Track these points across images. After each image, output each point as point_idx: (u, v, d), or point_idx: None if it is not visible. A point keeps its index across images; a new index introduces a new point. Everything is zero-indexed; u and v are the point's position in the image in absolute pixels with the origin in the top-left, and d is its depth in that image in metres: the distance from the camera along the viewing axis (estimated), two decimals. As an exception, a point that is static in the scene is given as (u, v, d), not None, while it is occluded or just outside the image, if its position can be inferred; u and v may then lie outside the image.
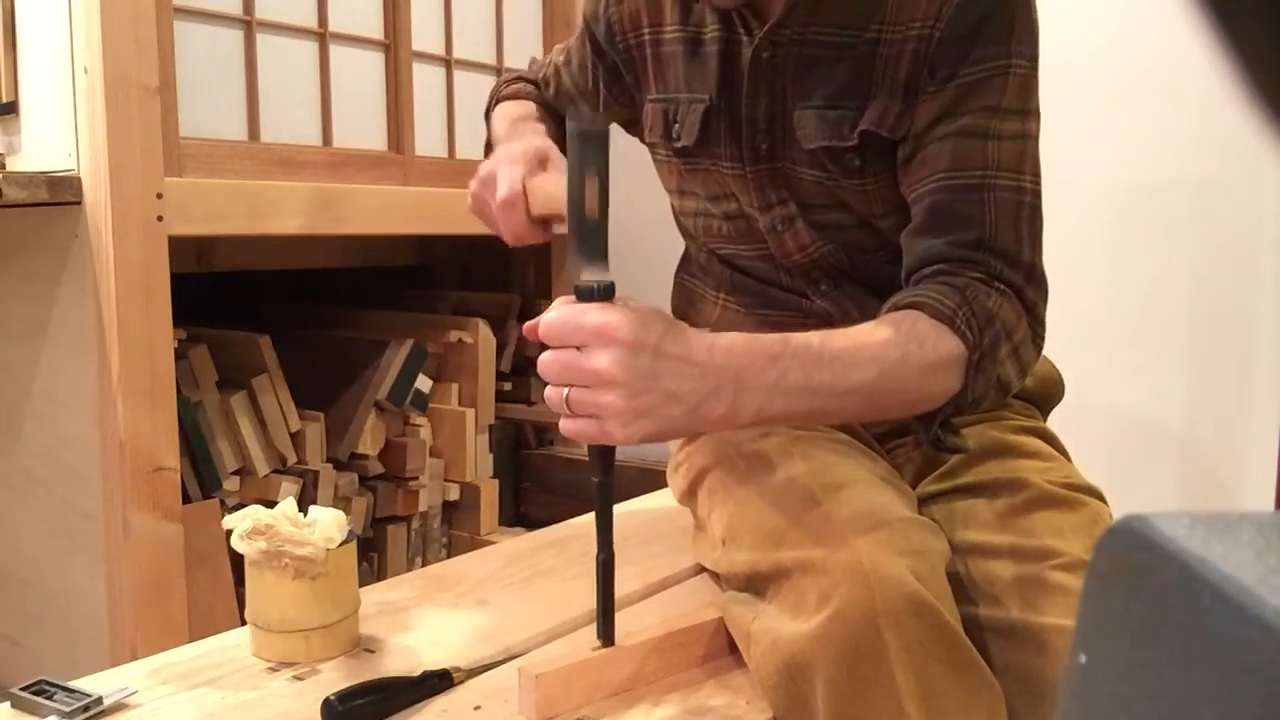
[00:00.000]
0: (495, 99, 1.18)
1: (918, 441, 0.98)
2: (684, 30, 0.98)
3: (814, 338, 0.77)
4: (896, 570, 0.72)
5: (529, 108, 1.11)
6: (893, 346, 0.78)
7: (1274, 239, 1.58)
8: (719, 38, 0.94)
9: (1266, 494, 1.59)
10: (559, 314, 0.72)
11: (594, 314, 0.70)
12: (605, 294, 0.72)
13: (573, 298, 0.73)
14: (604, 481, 0.79)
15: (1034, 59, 0.87)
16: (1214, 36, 0.21)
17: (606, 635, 0.82)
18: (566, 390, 0.71)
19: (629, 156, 1.14)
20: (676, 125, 0.99)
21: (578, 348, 0.70)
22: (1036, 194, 0.87)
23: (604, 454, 0.78)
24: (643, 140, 1.08)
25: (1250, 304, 1.60)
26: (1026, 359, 0.86)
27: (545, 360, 0.72)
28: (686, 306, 1.14)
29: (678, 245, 1.18)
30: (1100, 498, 0.89)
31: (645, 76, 1.03)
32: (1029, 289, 0.85)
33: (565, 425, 0.73)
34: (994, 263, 0.84)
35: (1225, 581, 0.21)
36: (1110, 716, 0.25)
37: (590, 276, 0.73)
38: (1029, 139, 0.87)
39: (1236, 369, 1.62)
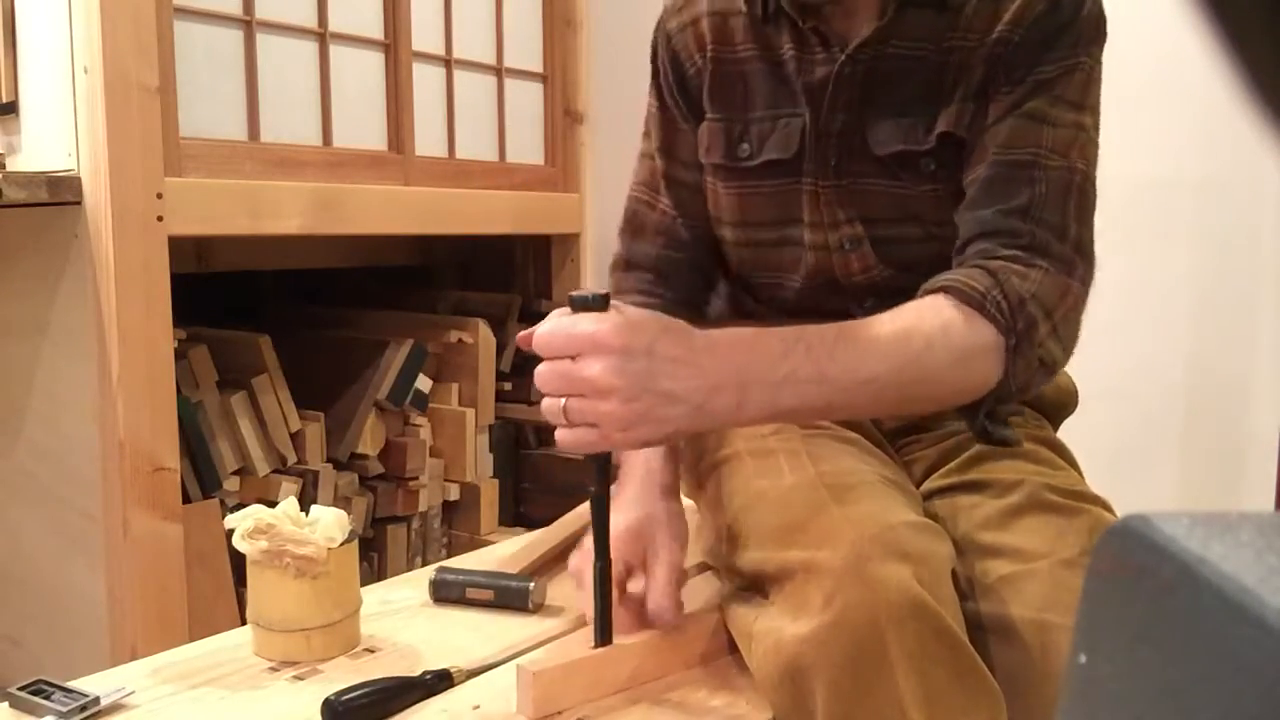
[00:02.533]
0: None
1: (940, 438, 0.99)
2: (759, 50, 0.98)
3: (830, 329, 0.77)
4: (900, 574, 0.72)
5: None
6: (916, 336, 0.77)
7: (1274, 239, 1.58)
8: (794, 56, 0.95)
9: (1266, 494, 1.59)
10: (552, 325, 0.72)
11: (585, 323, 0.71)
12: (599, 303, 0.72)
13: (568, 309, 0.73)
14: (600, 493, 0.79)
15: (1098, 57, 0.90)
16: (1214, 36, 0.21)
17: (603, 642, 0.82)
18: (563, 401, 0.71)
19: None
20: (746, 144, 0.98)
21: (572, 358, 0.71)
22: (1087, 178, 0.88)
23: (601, 464, 0.78)
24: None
25: (1250, 304, 1.60)
26: (1068, 336, 0.85)
27: (541, 372, 0.72)
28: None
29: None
30: (1107, 508, 0.89)
31: (703, 97, 1.01)
32: (1078, 263, 0.86)
33: (563, 435, 0.73)
34: (1039, 233, 0.84)
35: (1225, 581, 0.21)
36: (1110, 716, 0.25)
37: None
38: (1083, 130, 0.88)
39: (1236, 369, 1.62)
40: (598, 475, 0.78)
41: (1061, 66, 0.87)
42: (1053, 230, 0.85)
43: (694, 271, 1.07)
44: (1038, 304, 0.81)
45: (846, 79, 0.93)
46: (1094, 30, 0.89)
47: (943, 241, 0.93)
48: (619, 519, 0.86)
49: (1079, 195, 0.87)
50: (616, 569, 0.84)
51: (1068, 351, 0.86)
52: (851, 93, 0.93)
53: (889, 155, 0.92)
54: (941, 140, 0.91)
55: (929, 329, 0.78)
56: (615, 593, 0.84)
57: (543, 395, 0.73)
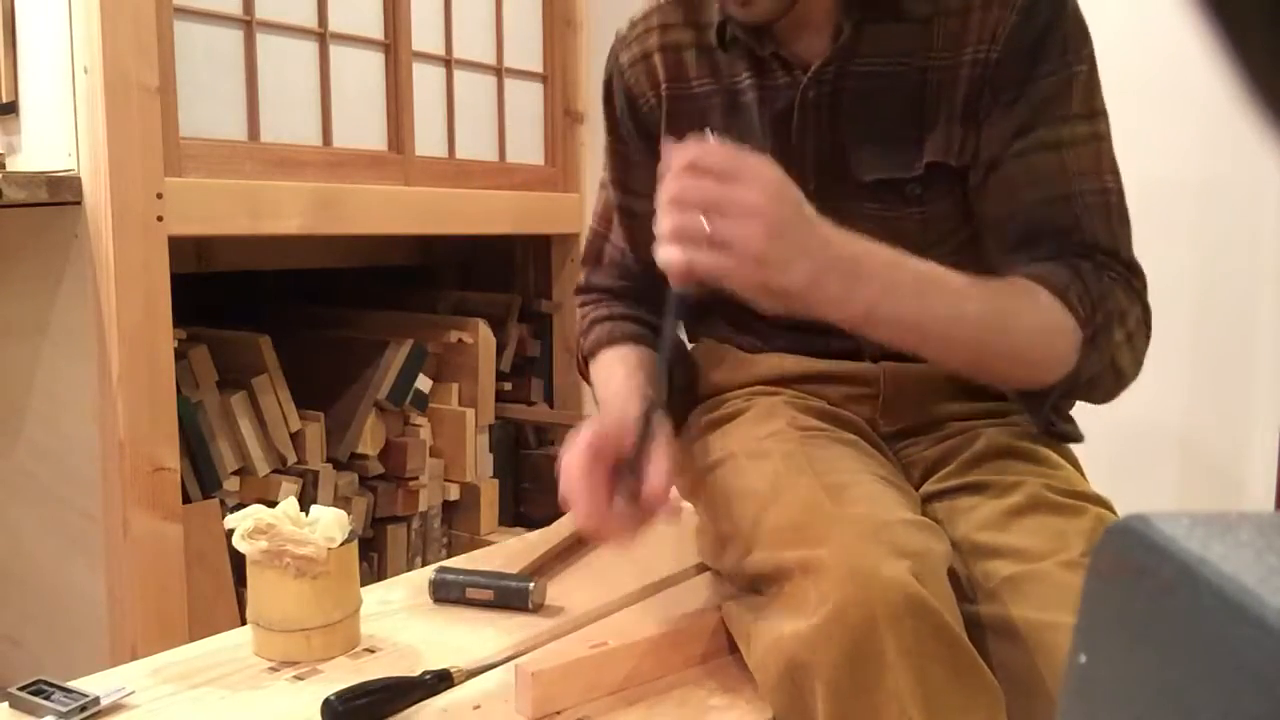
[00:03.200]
0: (582, 358, 1.09)
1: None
2: (714, 83, 0.96)
3: (935, 265, 0.78)
4: (897, 572, 0.72)
5: (608, 386, 1.00)
6: (1009, 297, 0.80)
7: (1274, 239, 1.58)
8: (754, 85, 0.93)
9: (1266, 494, 1.59)
10: (711, 145, 0.72)
11: (748, 154, 0.72)
12: None
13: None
14: (671, 330, 0.79)
15: (1091, 57, 0.87)
16: (1214, 37, 0.21)
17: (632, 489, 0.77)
18: (703, 219, 0.70)
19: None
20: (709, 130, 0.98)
21: (727, 182, 0.70)
22: (1119, 190, 0.89)
23: (683, 301, 0.76)
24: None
25: (1251, 304, 1.60)
26: (1139, 347, 0.87)
27: (686, 185, 0.71)
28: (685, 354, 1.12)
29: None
30: (1108, 508, 0.89)
31: (659, 133, 1.00)
32: (1134, 279, 0.87)
33: (696, 255, 0.71)
34: (1098, 258, 0.86)
35: (1225, 581, 0.21)
36: (1110, 716, 0.25)
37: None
38: (1101, 139, 0.88)
39: (1237, 369, 1.62)
40: (678, 310, 0.77)
41: (1058, 80, 0.86)
42: (1108, 252, 0.86)
43: (648, 301, 1.06)
44: (1114, 304, 0.84)
45: (812, 103, 0.91)
46: (1078, 31, 0.87)
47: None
48: (604, 419, 0.83)
49: (1118, 210, 0.88)
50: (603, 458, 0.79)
51: (1138, 365, 0.88)
52: (820, 116, 0.91)
53: (874, 182, 0.91)
54: (931, 168, 0.89)
55: (1021, 295, 0.81)
56: (605, 483, 0.78)
57: (678, 209, 0.71)
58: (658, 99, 1.00)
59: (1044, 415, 0.87)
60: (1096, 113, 0.88)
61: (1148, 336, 0.89)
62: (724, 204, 0.70)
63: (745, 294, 0.75)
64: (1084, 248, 0.86)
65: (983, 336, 0.80)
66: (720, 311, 1.08)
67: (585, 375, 1.09)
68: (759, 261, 0.70)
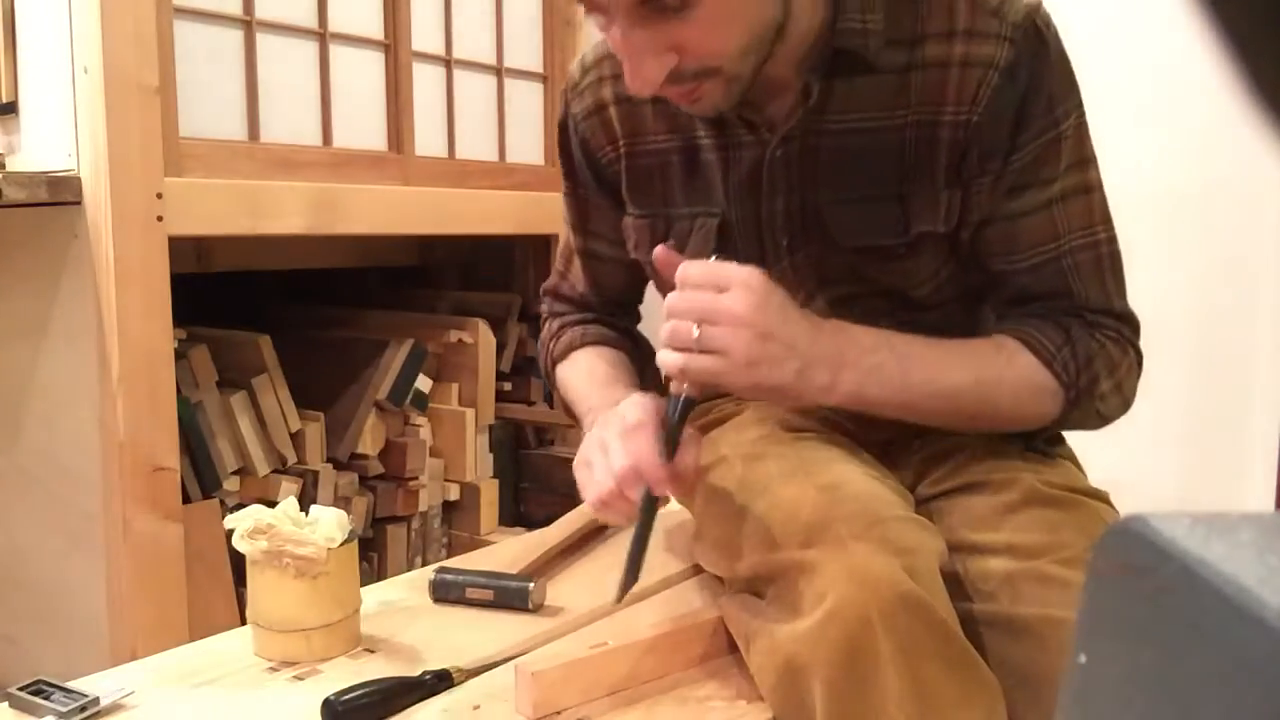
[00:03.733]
0: (550, 360, 1.08)
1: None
2: (670, 139, 0.93)
3: (917, 340, 0.82)
4: (890, 569, 0.72)
5: (593, 375, 1.01)
6: (992, 365, 0.84)
7: (1274, 241, 1.58)
8: (716, 143, 0.90)
9: (1266, 494, 1.59)
10: (700, 261, 0.78)
11: (734, 266, 0.77)
12: None
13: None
14: (677, 430, 0.80)
15: (1079, 107, 0.85)
16: (1215, 38, 0.21)
17: (624, 590, 0.81)
18: (697, 329, 0.75)
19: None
20: (672, 242, 0.92)
21: (716, 292, 0.76)
22: (1111, 239, 0.89)
23: (687, 405, 0.80)
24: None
25: (1251, 305, 1.60)
26: (1129, 391, 0.90)
27: (681, 296, 0.77)
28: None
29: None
30: (1105, 500, 0.89)
31: (620, 190, 0.98)
32: (1126, 330, 0.89)
33: (690, 360, 0.76)
34: (1089, 316, 0.87)
35: (1225, 581, 0.21)
36: (1110, 716, 0.25)
37: None
38: (1092, 190, 0.87)
39: (1237, 369, 1.62)
40: (680, 415, 0.80)
41: (1044, 141, 0.83)
42: (1101, 307, 0.88)
43: (611, 325, 1.08)
44: (1103, 363, 0.86)
45: (781, 162, 0.87)
46: (1063, 84, 0.83)
47: (910, 303, 0.92)
48: (628, 413, 0.83)
49: (1111, 263, 0.89)
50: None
51: (1125, 406, 0.90)
52: (791, 176, 0.88)
53: (857, 246, 0.89)
54: (920, 237, 0.87)
55: (1002, 362, 0.84)
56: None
57: (672, 319, 0.77)
58: (616, 154, 0.97)
59: (1036, 446, 0.91)
60: (1086, 160, 0.86)
61: (1139, 375, 0.91)
62: (715, 314, 0.75)
63: (737, 392, 0.81)
64: (1074, 310, 0.87)
65: (966, 407, 0.84)
66: None
67: (551, 380, 1.09)
68: (749, 364, 0.75)
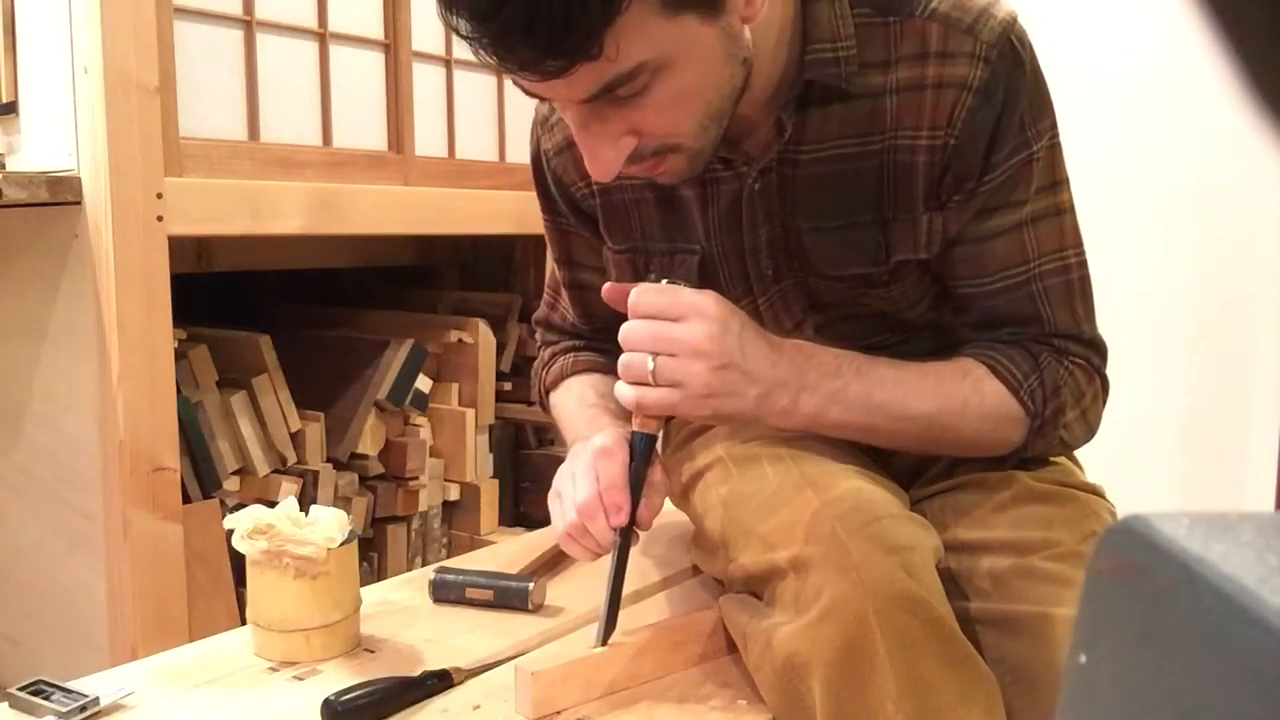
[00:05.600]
0: (544, 389, 1.10)
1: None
2: (647, 179, 0.89)
3: (883, 362, 0.81)
4: (887, 567, 0.72)
5: (583, 403, 1.01)
6: (957, 391, 0.82)
7: (1274, 239, 1.58)
8: (692, 182, 0.87)
9: (1266, 494, 1.59)
10: (654, 286, 0.76)
11: (689, 293, 0.75)
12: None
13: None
14: (641, 469, 0.80)
15: (1053, 127, 0.84)
16: (1214, 37, 0.21)
17: (605, 637, 0.82)
18: (651, 360, 0.74)
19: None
20: (652, 276, 0.93)
21: (670, 321, 0.74)
22: (1082, 264, 0.88)
23: (648, 442, 0.80)
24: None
25: (1251, 304, 1.60)
26: (1094, 419, 0.90)
27: (633, 327, 0.75)
28: None
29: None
30: (1100, 494, 0.90)
31: (598, 223, 0.97)
32: (1094, 357, 0.88)
33: (646, 394, 0.75)
34: (1057, 342, 0.87)
35: (1225, 581, 0.21)
36: (1110, 716, 0.25)
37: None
38: (1064, 212, 0.86)
39: (1237, 369, 1.62)
40: (642, 451, 0.79)
41: (1016, 162, 0.82)
42: (1069, 333, 0.87)
43: (603, 351, 1.07)
44: (1070, 391, 0.86)
45: (760, 194, 0.86)
46: (1037, 105, 0.82)
47: (900, 321, 0.93)
48: (597, 441, 0.84)
49: (1080, 287, 0.88)
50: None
51: (1090, 433, 0.90)
52: (770, 207, 0.87)
53: (840, 275, 0.88)
54: (901, 265, 0.87)
55: (969, 388, 0.83)
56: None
57: (624, 351, 0.76)
58: (589, 190, 0.96)
59: (1006, 468, 0.90)
60: (1058, 183, 0.86)
61: (1104, 403, 0.90)
62: (670, 344, 0.74)
63: (697, 421, 0.79)
64: (1041, 337, 0.86)
65: (930, 432, 0.83)
66: None
67: (545, 409, 1.11)
68: (707, 396, 0.74)
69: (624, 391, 0.76)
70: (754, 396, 0.76)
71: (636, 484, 0.80)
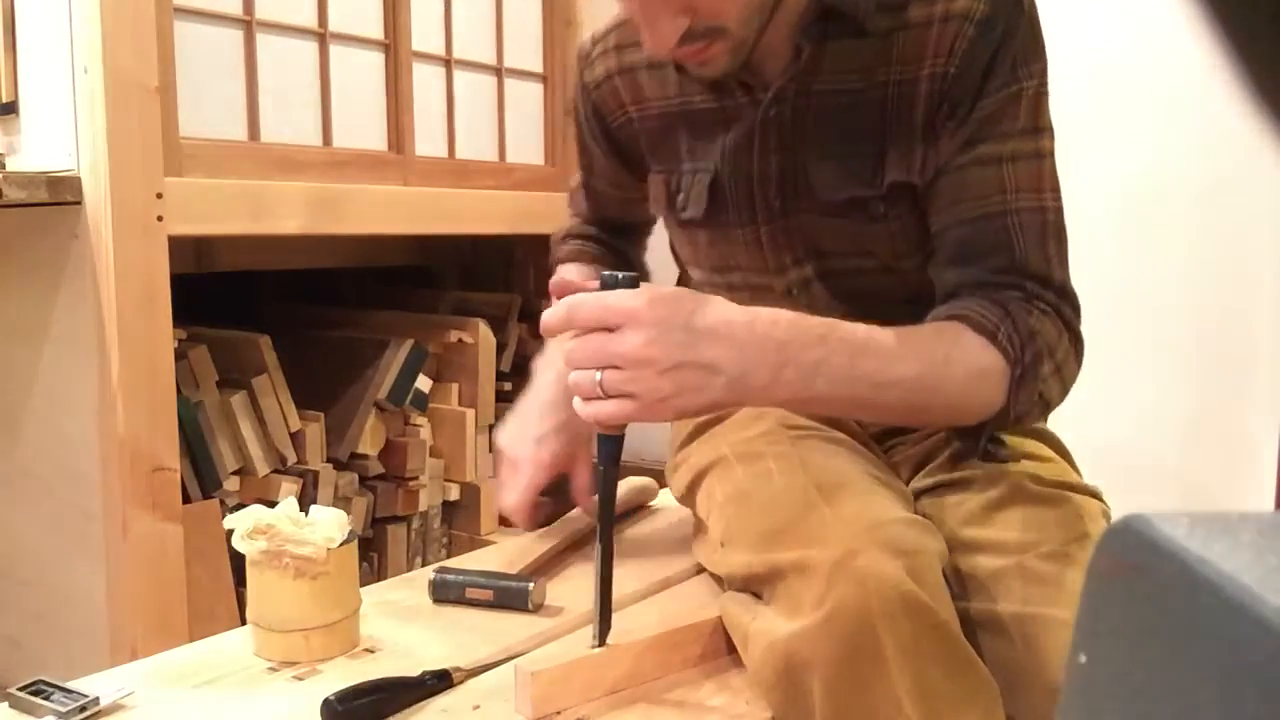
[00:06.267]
0: (555, 259, 1.21)
1: (921, 439, 0.99)
2: (671, 102, 0.98)
3: (860, 328, 0.79)
4: (892, 571, 0.72)
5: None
6: (937, 348, 0.80)
7: (1274, 239, 1.58)
8: (712, 104, 0.94)
9: (1266, 494, 1.59)
10: (586, 298, 0.73)
11: (621, 297, 0.71)
12: (629, 284, 0.73)
13: (596, 285, 0.74)
14: (611, 472, 0.79)
15: (1043, 73, 0.87)
16: (1214, 37, 0.21)
17: (602, 638, 0.82)
18: (599, 375, 0.71)
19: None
20: (680, 196, 0.99)
21: (609, 332, 0.71)
22: (1058, 210, 0.88)
23: (614, 444, 0.78)
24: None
25: (1250, 304, 1.60)
26: (1068, 376, 0.88)
27: (575, 345, 0.73)
28: None
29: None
30: (1096, 496, 0.89)
31: (642, 150, 1.05)
32: (1064, 307, 0.87)
33: (599, 408, 0.72)
34: (1028, 284, 0.85)
35: (1225, 581, 0.21)
36: (1110, 716, 0.25)
37: None
38: (1044, 156, 0.87)
39: (1237, 369, 1.62)
40: (609, 454, 0.78)
41: (1005, 96, 0.85)
42: (1038, 277, 0.86)
43: (608, 246, 1.21)
44: (1043, 339, 0.84)
45: (774, 122, 0.91)
46: (1031, 48, 0.86)
47: (899, 274, 0.93)
48: (548, 420, 1.05)
49: (1055, 233, 0.87)
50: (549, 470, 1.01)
51: (1065, 392, 0.88)
52: (782, 135, 0.91)
53: (838, 200, 0.91)
54: (894, 188, 0.89)
55: (948, 344, 0.81)
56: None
57: (572, 370, 0.73)
58: (627, 118, 1.04)
59: (980, 446, 0.88)
60: (1041, 129, 0.87)
61: (1078, 364, 0.89)
62: (610, 358, 0.71)
63: (668, 422, 0.77)
64: (1015, 272, 0.85)
65: (915, 398, 0.80)
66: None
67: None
68: (662, 401, 0.71)
69: (579, 408, 0.74)
70: (721, 385, 0.72)
71: (608, 489, 0.79)
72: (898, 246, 0.92)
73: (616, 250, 1.21)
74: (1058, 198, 0.88)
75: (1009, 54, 0.85)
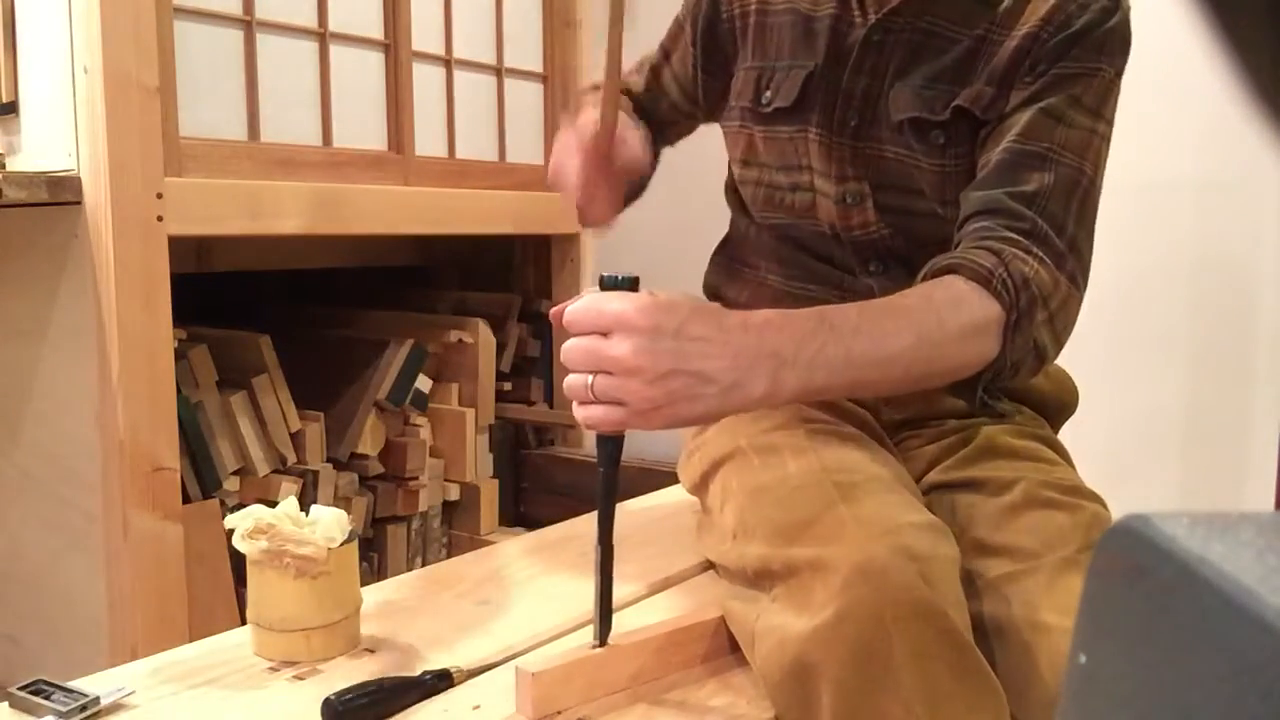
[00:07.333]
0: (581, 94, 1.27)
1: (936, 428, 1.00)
2: (797, 5, 1.01)
3: (850, 309, 0.78)
4: (907, 574, 0.72)
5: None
6: (929, 312, 0.79)
7: (1274, 239, 1.58)
8: (832, 15, 0.98)
9: (1266, 494, 1.59)
10: (582, 302, 0.72)
11: (614, 302, 0.71)
12: (628, 284, 0.73)
13: (598, 288, 0.74)
14: (610, 473, 0.78)
15: (1121, 72, 0.92)
16: (1214, 37, 0.21)
17: (603, 638, 0.82)
18: (591, 378, 0.71)
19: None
20: (769, 91, 1.02)
21: (604, 335, 0.71)
22: (1095, 184, 0.90)
23: (613, 445, 0.77)
24: (711, 119, 1.14)
25: (1250, 304, 1.60)
26: (1060, 328, 0.86)
27: (569, 347, 0.72)
28: (722, 283, 1.14)
29: (705, 242, 1.18)
30: (1101, 504, 0.89)
31: (744, 46, 1.06)
32: (1069, 259, 0.86)
33: (589, 412, 0.72)
34: (1040, 224, 0.86)
35: (1225, 581, 0.21)
36: (1110, 716, 0.25)
37: None
38: (1097, 137, 0.90)
39: (1237, 369, 1.62)
40: (608, 456, 0.78)
41: (1084, 68, 0.89)
42: (1053, 223, 0.86)
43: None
44: (1037, 287, 0.83)
45: (875, 45, 0.95)
46: (1120, 43, 0.91)
47: (945, 221, 0.94)
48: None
49: (1084, 197, 0.88)
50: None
51: (1059, 344, 0.87)
52: (877, 59, 0.96)
53: (903, 121, 0.94)
54: (956, 114, 0.92)
55: (940, 304, 0.80)
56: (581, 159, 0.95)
57: (568, 371, 0.73)
58: (745, 10, 1.06)
59: (977, 398, 0.87)
60: (1103, 116, 0.90)
61: (1073, 316, 0.88)
62: (602, 363, 0.70)
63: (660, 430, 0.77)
64: (1032, 204, 0.86)
65: (914, 368, 0.79)
66: (750, 279, 1.09)
67: None
68: (653, 409, 0.71)
69: (575, 412, 0.74)
70: (716, 393, 0.71)
71: (608, 490, 0.79)
72: (947, 190, 0.94)
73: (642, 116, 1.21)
74: (1098, 176, 0.90)
75: (1101, 37, 0.89)
